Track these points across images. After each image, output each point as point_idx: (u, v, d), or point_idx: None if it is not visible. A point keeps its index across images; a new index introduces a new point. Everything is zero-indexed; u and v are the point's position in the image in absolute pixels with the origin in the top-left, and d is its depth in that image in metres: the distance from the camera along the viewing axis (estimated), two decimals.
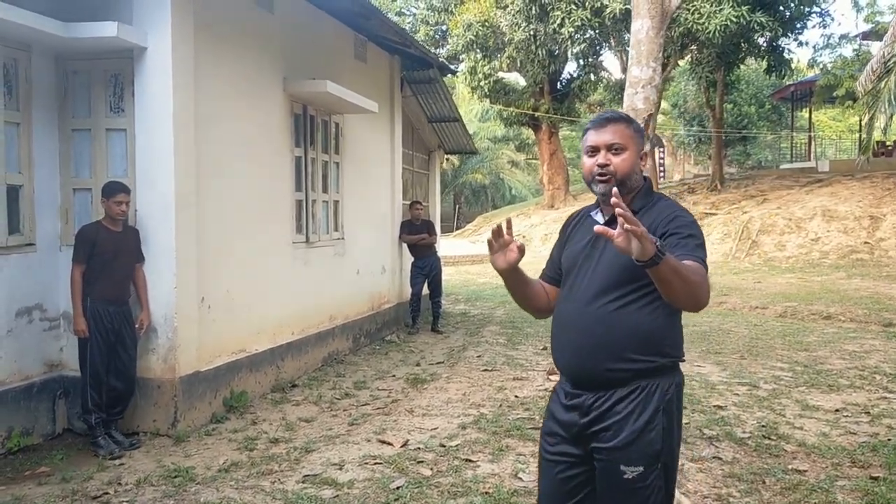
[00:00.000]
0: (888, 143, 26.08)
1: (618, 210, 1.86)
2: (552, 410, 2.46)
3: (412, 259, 10.20)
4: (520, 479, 4.41)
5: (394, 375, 7.39)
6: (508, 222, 2.32)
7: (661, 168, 35.15)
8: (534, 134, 30.04)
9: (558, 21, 17.66)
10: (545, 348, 8.65)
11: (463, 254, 21.63)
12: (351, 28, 8.55)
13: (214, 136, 5.86)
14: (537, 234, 25.29)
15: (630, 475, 2.23)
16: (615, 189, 1.99)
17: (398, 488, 4.23)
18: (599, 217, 2.43)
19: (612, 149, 2.31)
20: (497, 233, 2.28)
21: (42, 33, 4.90)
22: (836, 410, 5.97)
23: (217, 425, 5.60)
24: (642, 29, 4.48)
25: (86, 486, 4.33)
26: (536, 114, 23.86)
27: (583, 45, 18.55)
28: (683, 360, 2.39)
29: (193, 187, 5.52)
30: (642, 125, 4.46)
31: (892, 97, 8.05)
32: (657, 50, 4.47)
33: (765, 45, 19.42)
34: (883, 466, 4.62)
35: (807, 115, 31.35)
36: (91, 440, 5.01)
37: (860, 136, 27.43)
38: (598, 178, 2.32)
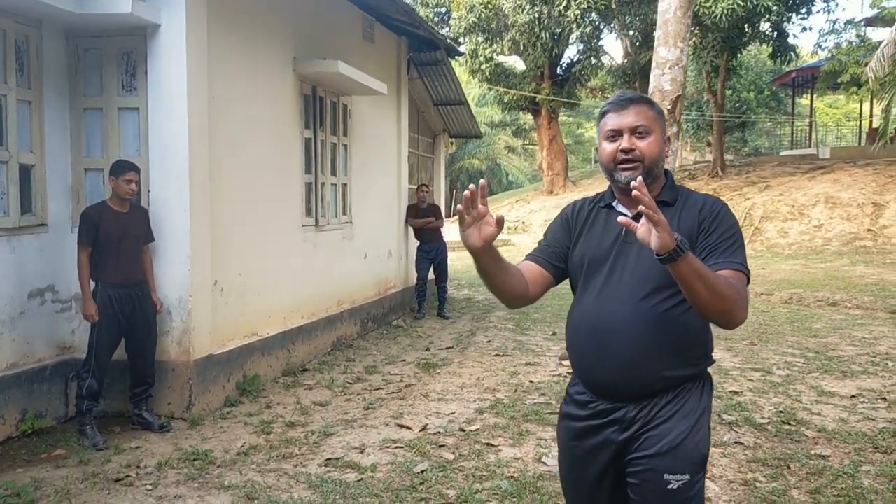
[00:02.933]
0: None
1: (635, 193, 1.67)
2: (571, 437, 2.17)
3: (417, 244, 10.13)
4: (544, 463, 4.37)
5: (404, 360, 7.34)
6: (482, 187, 1.89)
7: None
8: (533, 119, 29.94)
9: (563, 3, 17.48)
10: (554, 334, 8.62)
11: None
12: (359, 8, 8.44)
13: (226, 116, 5.77)
14: (537, 220, 25.23)
15: (675, 485, 1.96)
16: (640, 177, 1.74)
17: (422, 472, 4.19)
18: (622, 209, 2.12)
19: (637, 132, 2.04)
20: (469, 202, 1.87)
21: (54, 8, 4.78)
22: (852, 396, 5.95)
23: (231, 409, 5.54)
24: (670, 9, 4.42)
25: (104, 468, 4.28)
26: (538, 97, 23.72)
27: (588, 28, 18.40)
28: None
29: (207, 168, 5.43)
30: (670, 107, 4.40)
31: None
32: (685, 30, 4.41)
33: (770, 29, 19.32)
34: None
35: (805, 102, 31.30)
36: (78, 427, 4.86)
37: (868, 121, 27.41)
38: (621, 165, 2.04)
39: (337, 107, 7.93)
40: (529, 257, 2.28)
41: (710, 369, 2.15)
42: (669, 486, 1.97)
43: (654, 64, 4.46)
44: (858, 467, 4.34)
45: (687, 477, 1.98)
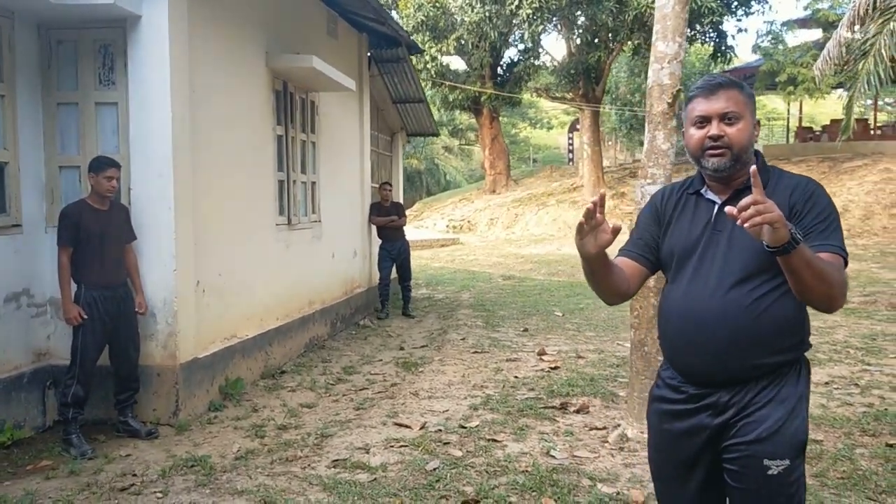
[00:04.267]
0: (816, 129, 27.17)
1: (729, 210, 1.72)
2: (663, 421, 2.19)
3: (380, 242, 10.03)
4: (552, 456, 4.37)
5: (381, 360, 7.26)
6: (602, 198, 1.94)
7: (570, 151, 36.49)
8: (475, 119, 30.08)
9: (515, 3, 17.54)
10: (526, 330, 8.65)
11: (410, 239, 21.42)
12: (324, 3, 8.30)
13: (204, 111, 5.58)
14: (482, 218, 25.35)
15: (776, 470, 1.98)
16: (753, 168, 1.75)
17: (435, 470, 4.14)
18: (712, 195, 2.13)
19: (726, 118, 2.02)
20: (590, 213, 1.92)
21: None
22: (826, 383, 6.14)
23: (217, 413, 5.38)
24: (668, 4, 4.47)
25: (98, 478, 4.09)
26: (485, 94, 23.80)
27: (539, 28, 18.54)
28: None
29: (190, 164, 5.26)
30: (670, 101, 4.46)
31: (872, 78, 8.31)
32: (683, 25, 4.47)
33: (711, 30, 19.88)
34: (893, 434, 4.76)
35: None
36: (63, 436, 4.64)
37: (798, 120, 28.45)
38: (709, 151, 2.04)
39: (306, 103, 7.79)
40: (623, 252, 2.27)
41: None
42: (770, 472, 1.98)
43: (652, 58, 4.52)
44: (853, 450, 4.48)
45: (787, 462, 1.98)
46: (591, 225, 1.95)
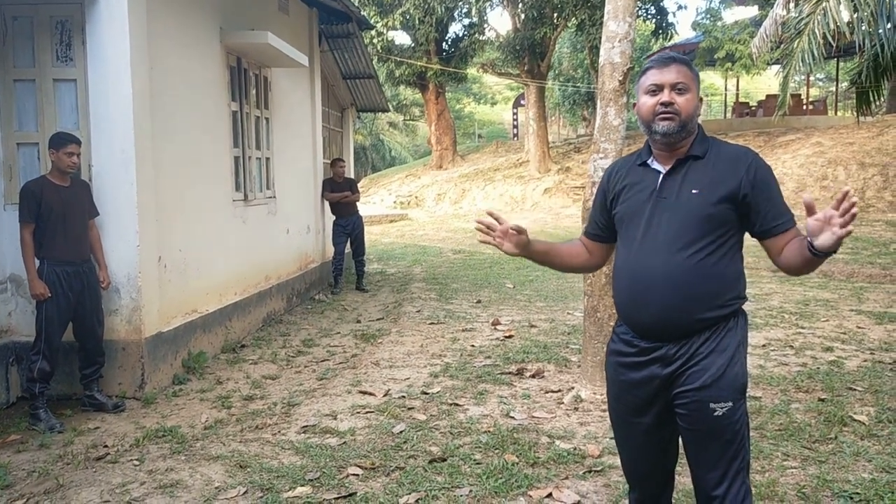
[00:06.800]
0: (752, 104, 27.97)
1: (852, 210, 1.89)
2: (619, 372, 2.41)
3: (334, 218, 10.12)
4: (512, 417, 4.61)
5: (339, 332, 7.40)
6: (492, 216, 2.41)
7: (515, 127, 36.91)
8: (421, 94, 30.07)
9: None
10: (479, 301, 8.89)
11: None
12: None
13: (161, 88, 5.60)
14: (429, 194, 25.47)
15: (720, 412, 2.20)
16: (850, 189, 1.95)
17: (402, 432, 4.33)
18: (657, 165, 2.32)
19: (676, 88, 2.23)
20: (489, 228, 2.39)
21: None
22: (763, 346, 6.52)
23: (181, 386, 5.47)
24: None
25: (71, 449, 4.16)
26: (430, 69, 23.83)
27: (486, 4, 18.62)
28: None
29: (151, 140, 5.29)
30: (621, 79, 4.68)
31: (806, 55, 8.71)
32: (632, 5, 4.67)
33: (652, 7, 20.27)
34: (824, 390, 5.13)
35: None
36: (30, 411, 4.68)
37: (735, 96, 29.14)
38: (660, 116, 2.23)
39: (259, 79, 7.81)
40: (584, 233, 2.63)
41: None
42: (715, 413, 2.21)
43: (603, 38, 4.71)
44: (789, 405, 4.82)
45: (730, 404, 2.22)
46: (497, 235, 2.41)
